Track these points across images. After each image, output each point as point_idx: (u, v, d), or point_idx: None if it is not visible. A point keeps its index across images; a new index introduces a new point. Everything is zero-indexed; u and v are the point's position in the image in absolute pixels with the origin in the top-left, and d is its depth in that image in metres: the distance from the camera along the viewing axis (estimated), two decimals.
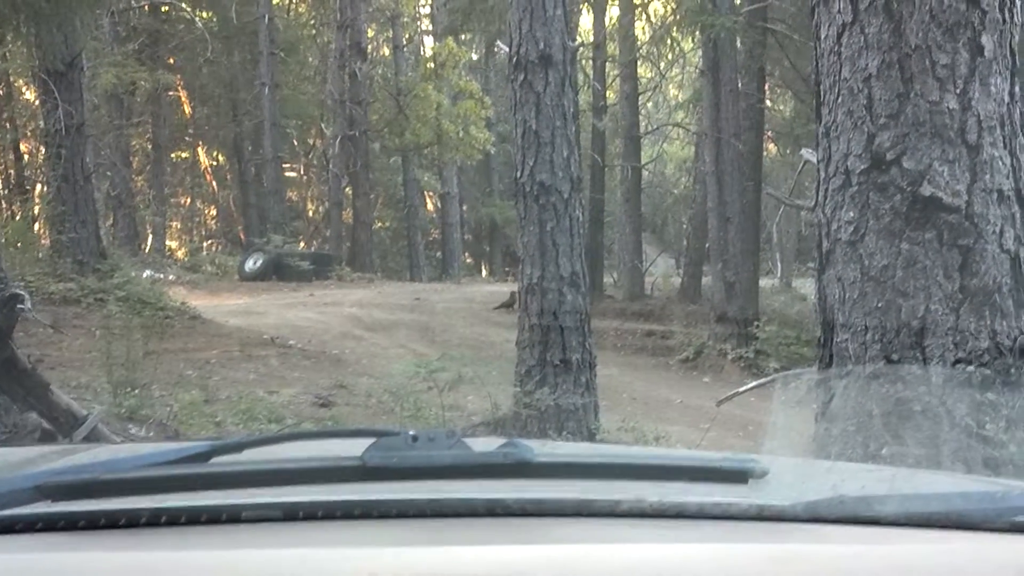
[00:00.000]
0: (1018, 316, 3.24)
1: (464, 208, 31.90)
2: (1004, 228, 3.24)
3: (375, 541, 1.07)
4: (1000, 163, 3.26)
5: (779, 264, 29.25)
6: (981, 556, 1.11)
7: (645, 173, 25.91)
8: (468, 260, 33.53)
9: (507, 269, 28.71)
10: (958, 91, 3.26)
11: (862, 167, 3.35)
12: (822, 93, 3.56)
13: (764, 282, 21.69)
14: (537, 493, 1.18)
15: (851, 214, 3.37)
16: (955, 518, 1.18)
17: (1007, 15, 3.32)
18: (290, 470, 1.16)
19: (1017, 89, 3.38)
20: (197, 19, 23.56)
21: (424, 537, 1.09)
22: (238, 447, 1.25)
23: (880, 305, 3.29)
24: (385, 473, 1.13)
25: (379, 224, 31.21)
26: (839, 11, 3.44)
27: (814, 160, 3.78)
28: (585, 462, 1.32)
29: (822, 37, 3.54)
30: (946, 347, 3.20)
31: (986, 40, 3.28)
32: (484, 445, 1.21)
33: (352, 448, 1.15)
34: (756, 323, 15.33)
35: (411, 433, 1.16)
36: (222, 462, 1.19)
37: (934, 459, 3.11)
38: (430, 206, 34.03)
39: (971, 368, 3.18)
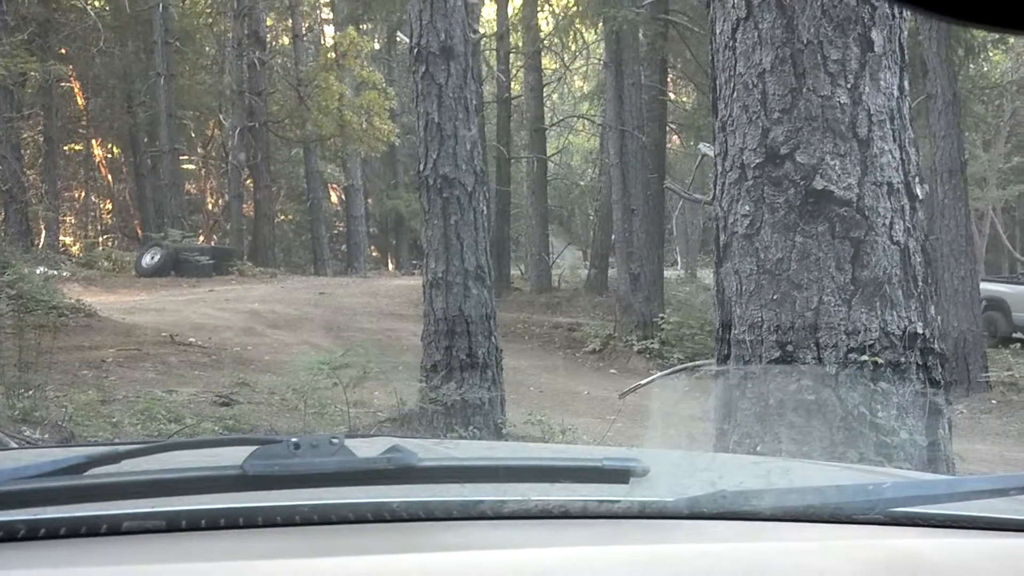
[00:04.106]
0: (907, 306, 3.31)
1: (369, 201, 31.60)
2: (894, 220, 3.31)
3: (262, 551, 1.04)
4: (890, 156, 3.33)
5: (678, 256, 29.74)
6: (856, 548, 1.13)
7: (551, 165, 26.00)
8: (374, 253, 33.25)
9: (414, 262, 28.51)
10: (849, 86, 3.32)
11: (757, 161, 3.38)
12: (718, 88, 3.58)
13: (670, 273, 22.02)
14: (423, 496, 1.17)
15: (747, 208, 3.40)
16: (831, 511, 1.21)
17: (896, 10, 3.39)
18: (169, 480, 1.12)
19: (906, 83, 3.45)
20: (89, 8, 22.78)
21: (311, 546, 1.07)
22: (115, 457, 1.20)
23: (775, 297, 3.33)
24: (267, 482, 1.09)
25: (281, 217, 30.71)
26: (733, 6, 3.46)
27: (711, 154, 3.81)
28: (469, 465, 1.31)
29: (717, 32, 3.56)
30: (839, 338, 3.25)
31: (876, 35, 3.34)
32: (369, 450, 1.19)
33: (233, 457, 1.12)
34: (661, 315, 15.53)
35: (293, 440, 1.13)
36: (99, 473, 1.15)
37: (828, 448, 3.17)
38: (334, 199, 33.61)
39: (863, 358, 3.24)
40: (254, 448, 1.13)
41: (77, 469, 1.15)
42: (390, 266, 32.60)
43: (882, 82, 3.35)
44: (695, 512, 1.19)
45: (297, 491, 1.12)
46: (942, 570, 1.11)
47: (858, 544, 1.15)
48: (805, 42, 3.32)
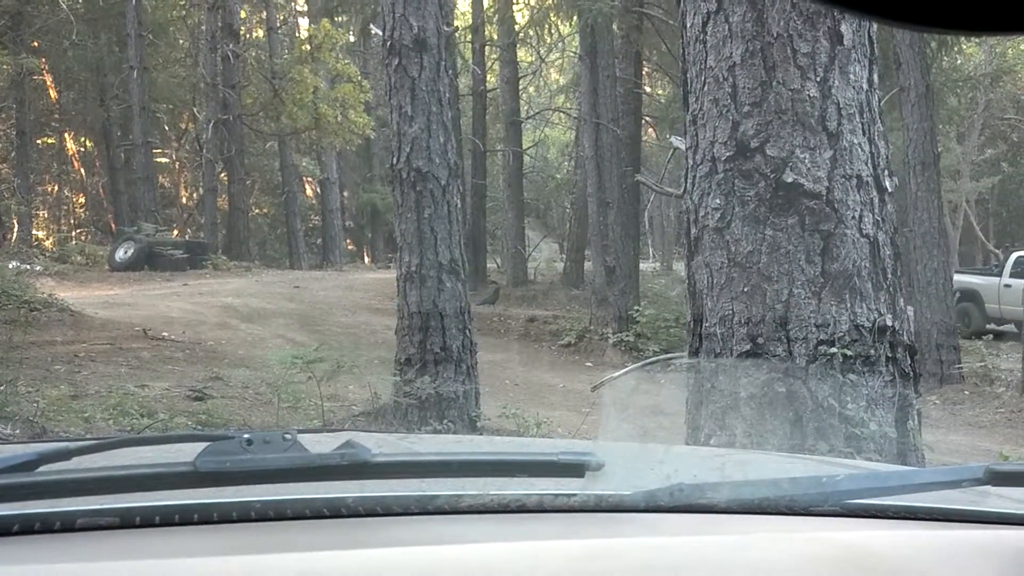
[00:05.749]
0: (877, 299, 3.32)
1: (344, 194, 31.47)
2: (863, 213, 3.33)
3: (217, 548, 1.03)
4: (859, 150, 3.34)
5: (651, 248, 29.83)
6: (809, 540, 1.14)
7: (527, 158, 25.99)
8: (350, 247, 33.10)
9: (389, 256, 28.44)
10: (818, 79, 3.32)
11: (727, 154, 3.38)
12: (689, 81, 3.58)
13: (645, 266, 22.07)
14: (379, 492, 1.17)
15: (717, 201, 3.41)
16: (786, 503, 1.22)
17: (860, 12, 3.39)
18: (120, 477, 1.10)
19: (876, 77, 3.46)
20: (61, 0, 22.52)
21: (266, 542, 1.06)
22: (66, 454, 1.19)
23: (746, 290, 3.34)
24: (218, 478, 1.09)
25: (256, 211, 30.55)
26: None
27: (683, 147, 3.81)
28: (423, 460, 1.30)
29: (688, 25, 3.56)
30: (808, 330, 3.26)
31: (845, 28, 3.35)
32: (325, 445, 1.18)
33: (187, 453, 1.11)
34: (636, 307, 15.57)
35: (245, 436, 1.13)
36: (50, 470, 1.13)
37: (798, 441, 3.18)
38: (309, 192, 33.46)
39: (833, 350, 3.25)
40: (207, 444, 1.12)
41: (28, 466, 1.13)
42: (366, 259, 32.48)
43: (851, 75, 3.36)
44: (651, 505, 1.19)
45: (253, 487, 1.12)
46: (895, 562, 1.11)
47: (812, 536, 1.16)
48: (775, 35, 3.32)
